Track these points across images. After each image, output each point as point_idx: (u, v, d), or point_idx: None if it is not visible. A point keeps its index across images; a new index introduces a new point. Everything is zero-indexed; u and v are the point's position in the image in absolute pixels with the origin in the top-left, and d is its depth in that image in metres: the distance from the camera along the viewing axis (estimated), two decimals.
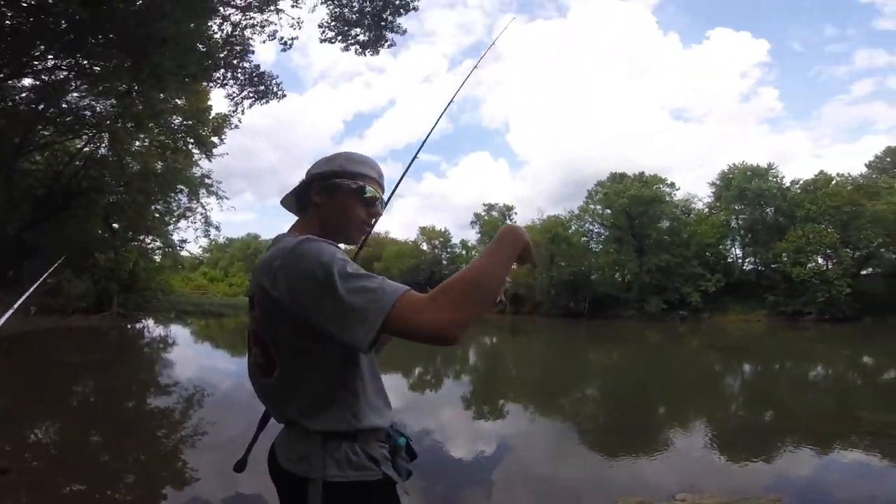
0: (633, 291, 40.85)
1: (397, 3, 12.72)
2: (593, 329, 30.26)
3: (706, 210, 44.34)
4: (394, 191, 1.51)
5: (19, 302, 2.27)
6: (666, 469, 4.63)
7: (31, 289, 2.65)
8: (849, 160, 73.43)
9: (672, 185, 44.46)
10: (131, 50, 9.88)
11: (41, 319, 15.26)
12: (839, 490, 3.97)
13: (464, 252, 64.25)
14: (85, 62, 12.64)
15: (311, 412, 1.00)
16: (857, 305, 31.57)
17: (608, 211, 46.08)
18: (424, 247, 66.33)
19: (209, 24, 12.05)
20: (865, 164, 45.09)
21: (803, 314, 32.81)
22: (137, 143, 20.85)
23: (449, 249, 65.88)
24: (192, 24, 10.48)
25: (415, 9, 12.84)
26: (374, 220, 1.20)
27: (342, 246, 1.15)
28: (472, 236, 62.66)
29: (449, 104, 1.86)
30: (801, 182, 39.01)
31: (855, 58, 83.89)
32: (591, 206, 48.16)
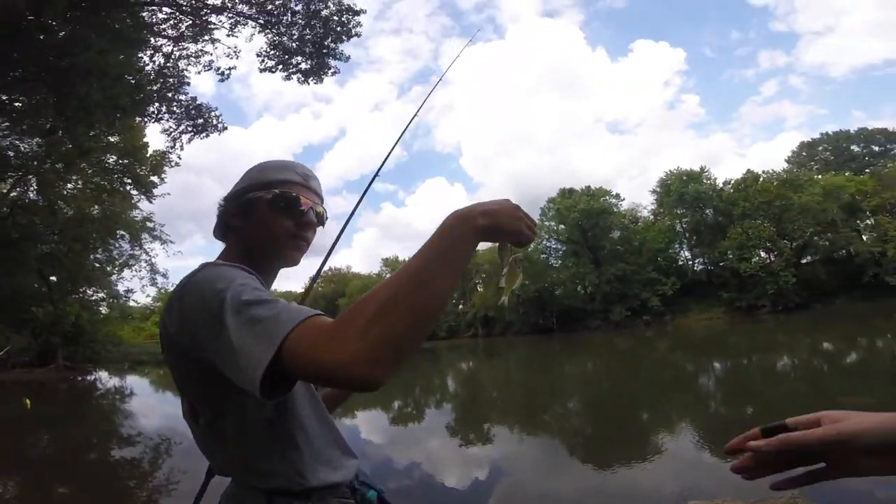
0: (597, 302, 41.87)
1: (339, 29, 12.67)
2: (564, 343, 30.60)
3: (651, 217, 46.46)
4: (347, 222, 1.49)
5: None
6: (667, 476, 4.44)
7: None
8: (769, 157, 79.95)
9: (617, 195, 46.72)
10: (54, 83, 9.31)
11: None
12: (853, 480, 3.78)
13: None
14: (4, 97, 11.73)
15: (246, 467, 0.85)
16: (804, 293, 33.71)
17: (562, 226, 47.51)
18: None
19: (139, 55, 11.60)
20: (785, 160, 49.19)
21: (758, 307, 34.57)
22: (70, 185, 19.67)
23: (370, 289, 65.71)
24: (120, 55, 9.98)
25: (357, 35, 12.84)
26: (308, 230, 0.99)
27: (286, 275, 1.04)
28: None
29: (401, 135, 1.81)
30: (732, 182, 41.43)
31: (759, 59, 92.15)
32: (546, 223, 49.49)
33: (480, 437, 7.23)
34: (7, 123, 14.44)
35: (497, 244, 0.79)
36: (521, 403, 10.30)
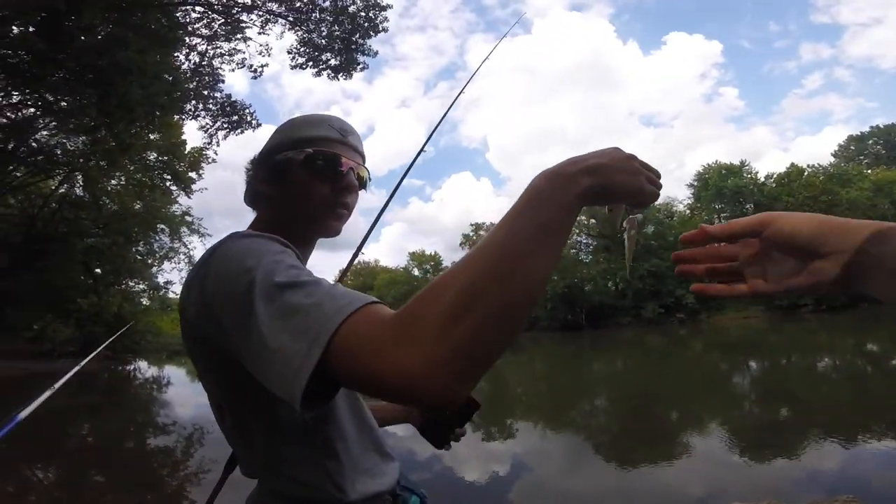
0: (629, 298, 41.00)
1: (366, 25, 12.76)
2: (594, 340, 30.05)
3: (687, 212, 45.21)
4: (378, 218, 1.44)
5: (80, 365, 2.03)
6: (713, 478, 4.26)
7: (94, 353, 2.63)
8: (814, 151, 76.74)
9: None
10: (96, 82, 9.61)
11: (31, 364, 14.93)
12: None
13: None
14: (50, 97, 12.31)
15: (276, 474, 0.75)
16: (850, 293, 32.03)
17: (593, 220, 46.65)
18: (416, 272, 66.36)
19: (175, 54, 11.97)
20: (832, 154, 47.45)
21: (799, 306, 33.08)
22: (113, 181, 20.53)
23: (441, 272, 65.99)
24: (157, 55, 10.32)
25: (384, 30, 12.93)
26: (349, 194, 0.85)
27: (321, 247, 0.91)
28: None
29: (430, 136, 1.78)
30: (774, 176, 40.18)
31: (800, 52, 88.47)
32: (577, 217, 48.71)
33: (503, 432, 7.16)
34: (54, 123, 14.90)
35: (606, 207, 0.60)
36: (548, 401, 10.15)
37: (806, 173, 38.01)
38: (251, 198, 0.88)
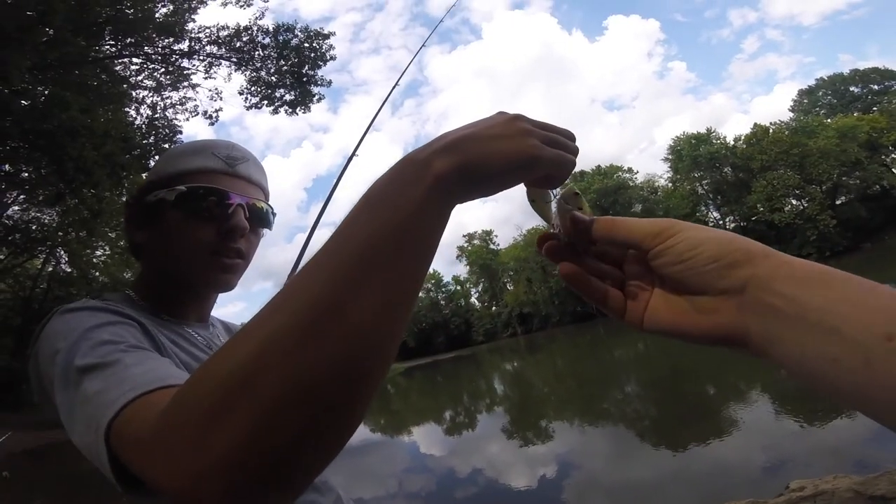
0: None
1: (312, 56, 12.86)
2: (608, 327, 29.94)
3: (670, 184, 46.09)
4: (310, 236, 1.59)
5: None
6: (754, 456, 3.98)
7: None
8: (772, 109, 79.56)
9: (630, 169, 46.92)
10: (47, 147, 9.40)
11: (55, 434, 15.01)
12: None
13: (458, 287, 64.21)
14: (10, 168, 12.13)
15: None
16: (849, 234, 32.93)
17: None
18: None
19: (125, 109, 11.92)
20: (789, 109, 49.04)
21: (804, 256, 33.30)
22: (98, 252, 20.36)
23: (444, 289, 65.84)
24: (104, 112, 10.25)
25: (332, 58, 13.15)
26: (236, 237, 0.69)
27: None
28: (462, 270, 62.99)
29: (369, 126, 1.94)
30: (742, 137, 41.22)
31: (730, 18, 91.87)
32: None
33: (539, 434, 6.96)
34: (23, 196, 14.58)
35: (527, 194, 0.43)
36: (576, 394, 9.95)
37: (771, 131, 39.12)
38: (129, 247, 0.76)
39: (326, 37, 12.70)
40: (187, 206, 0.68)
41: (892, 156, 37.04)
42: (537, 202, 0.43)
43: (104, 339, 0.53)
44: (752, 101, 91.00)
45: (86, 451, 0.46)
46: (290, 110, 13.26)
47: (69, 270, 20.49)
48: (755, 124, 40.77)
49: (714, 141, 42.57)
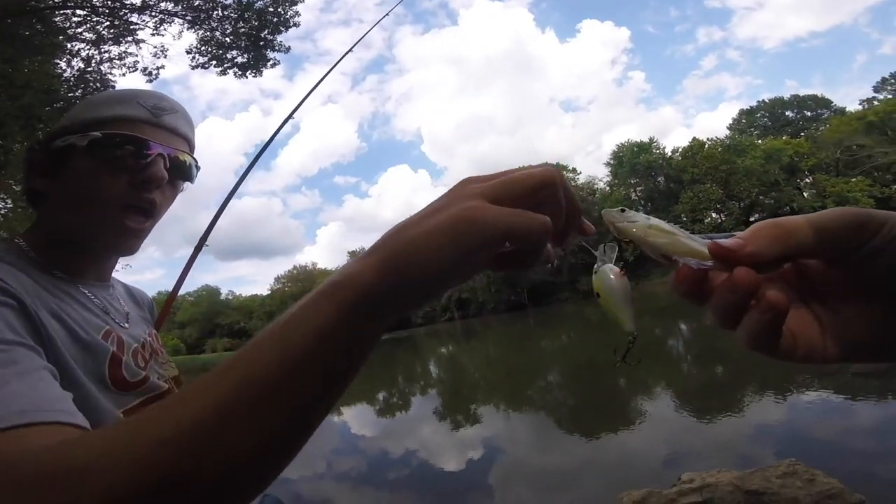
0: (564, 274, 42.89)
1: (275, 20, 12.04)
2: (538, 317, 31.07)
3: (607, 188, 48.25)
4: (213, 222, 1.45)
5: None
6: (655, 447, 4.37)
7: None
8: (713, 125, 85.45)
9: (574, 170, 48.37)
10: None
11: None
12: (845, 437, 3.81)
13: None
14: None
15: None
16: None
17: None
18: None
19: (55, 61, 10.67)
20: (727, 127, 52.22)
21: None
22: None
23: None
24: (29, 63, 9.20)
25: (296, 25, 12.28)
26: (150, 187, 0.65)
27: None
28: None
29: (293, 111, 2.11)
30: (680, 150, 43.84)
31: (697, 35, 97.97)
32: None
33: (469, 418, 7.19)
34: None
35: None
36: (504, 382, 10.30)
37: (706, 146, 41.65)
38: (26, 195, 0.70)
39: (295, 3, 12.00)
40: (100, 153, 0.63)
41: (806, 180, 40.10)
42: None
43: None
44: (697, 117, 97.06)
45: None
46: (240, 73, 12.34)
47: None
48: (693, 138, 43.39)
49: (654, 151, 44.94)
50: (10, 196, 18.41)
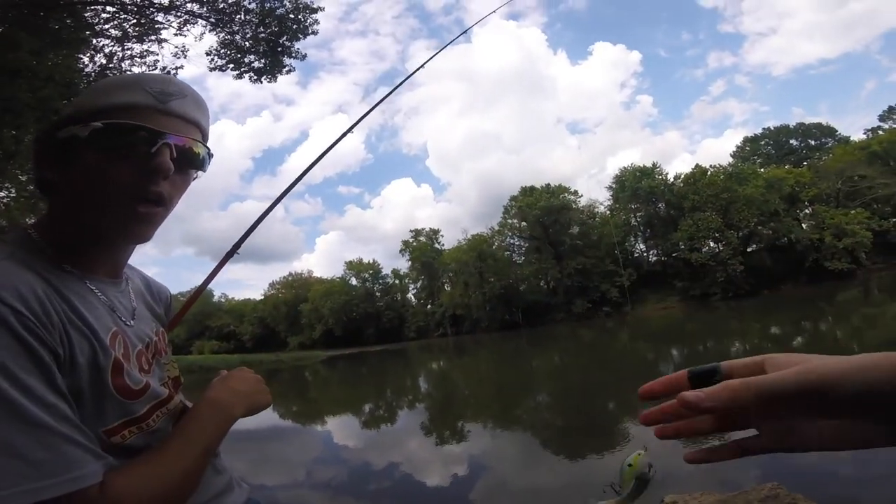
0: (560, 295, 42.87)
1: (294, 28, 12.31)
2: (531, 337, 30.96)
3: (608, 212, 48.14)
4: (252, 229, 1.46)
5: None
6: (655, 467, 4.35)
7: None
8: (716, 151, 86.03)
9: (576, 192, 48.49)
10: None
11: None
12: (828, 463, 3.83)
13: (397, 281, 63.68)
14: None
15: None
16: (752, 280, 35.74)
17: (524, 223, 48.39)
18: (354, 281, 64.71)
19: (78, 56, 10.89)
20: (731, 154, 52.31)
21: (710, 295, 36.34)
22: (1, 193, 18.22)
23: (381, 281, 64.95)
24: (54, 57, 9.39)
25: (314, 32, 12.52)
26: (156, 178, 0.64)
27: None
28: (404, 264, 62.44)
29: (343, 135, 1.92)
30: (682, 176, 43.69)
31: (708, 60, 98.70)
32: (509, 221, 50.50)
33: (455, 434, 7.20)
34: None
35: None
36: (493, 400, 10.32)
37: (709, 173, 41.61)
38: (37, 185, 0.70)
39: (315, 11, 12.26)
40: (103, 144, 0.61)
41: (806, 211, 39.72)
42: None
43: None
44: (702, 143, 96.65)
45: None
46: (255, 77, 12.59)
47: None
48: (696, 165, 43.21)
49: (656, 176, 44.63)
50: (15, 185, 18.51)
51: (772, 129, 51.08)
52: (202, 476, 0.69)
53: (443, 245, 59.46)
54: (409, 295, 63.08)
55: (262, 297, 70.75)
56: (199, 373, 17.23)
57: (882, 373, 0.33)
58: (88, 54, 11.57)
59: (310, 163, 1.75)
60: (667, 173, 45.46)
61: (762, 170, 42.42)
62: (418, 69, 2.81)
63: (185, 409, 0.77)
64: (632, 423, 6.25)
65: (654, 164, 45.69)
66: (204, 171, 0.72)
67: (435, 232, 61.31)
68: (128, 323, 0.71)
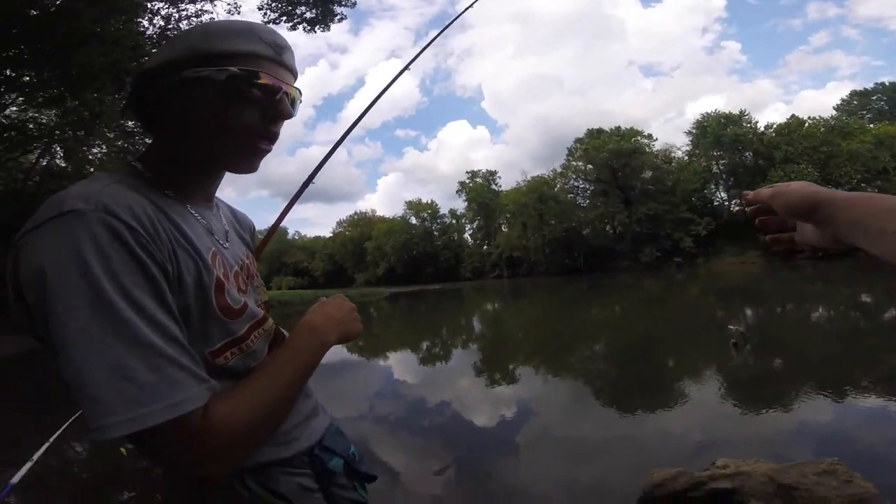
0: (626, 242, 41.46)
1: None
2: (592, 284, 30.34)
3: (686, 158, 45.32)
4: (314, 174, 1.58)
5: None
6: (704, 430, 4.28)
7: None
8: (817, 104, 75.88)
9: (650, 136, 45.56)
10: (54, 54, 9.38)
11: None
12: (892, 449, 3.57)
13: (454, 221, 64.19)
14: (11, 72, 11.96)
15: None
16: None
17: (590, 166, 46.43)
18: (413, 220, 66.02)
19: (137, 20, 11.53)
20: (834, 108, 47.30)
21: (797, 252, 33.38)
22: (95, 150, 20.09)
23: (438, 220, 65.82)
24: (115, 23, 10.03)
25: None
26: (279, 122, 0.72)
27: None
28: (460, 205, 62.49)
29: (401, 73, 1.89)
30: (775, 126, 40.46)
31: (807, 10, 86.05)
32: (574, 163, 48.87)
33: (506, 377, 7.31)
34: (21, 98, 14.73)
35: None
36: (546, 345, 10.31)
37: (807, 125, 38.14)
38: (145, 119, 0.72)
39: None
40: (236, 87, 0.66)
41: None
42: None
43: (120, 286, 0.54)
44: (799, 93, 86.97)
45: (92, 405, 0.51)
46: (309, 28, 12.82)
47: (64, 166, 20.28)
48: (792, 115, 39.78)
49: (744, 124, 41.49)
50: (105, 142, 20.25)
51: (886, 84, 45.46)
52: (297, 400, 0.73)
53: (500, 186, 58.64)
54: (466, 235, 63.66)
55: (331, 235, 74.37)
56: (277, 307, 18.67)
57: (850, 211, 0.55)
58: (146, 17, 12.24)
59: (367, 105, 1.79)
60: (756, 122, 42.37)
61: (871, 126, 38.12)
62: (470, 6, 2.71)
63: (278, 332, 0.81)
64: (688, 382, 6.11)
65: (741, 112, 42.16)
66: (294, 114, 0.77)
67: (492, 173, 60.40)
68: (224, 245, 0.76)
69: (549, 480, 3.54)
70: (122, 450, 3.34)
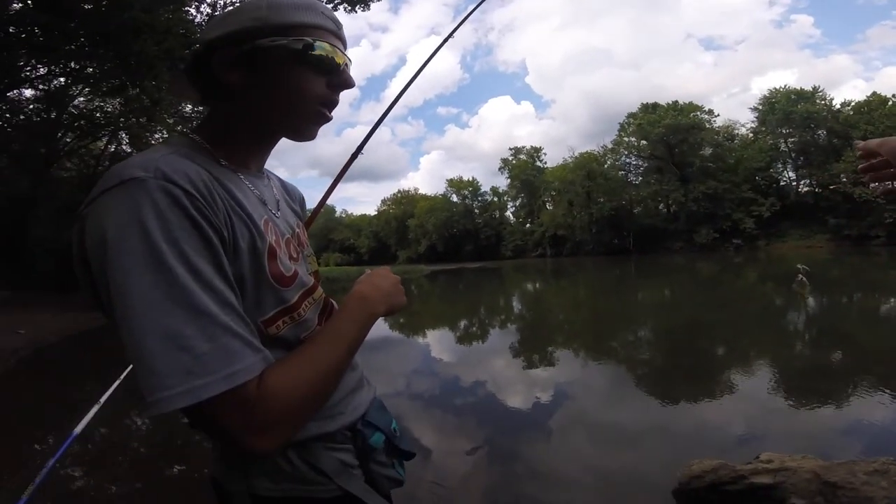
0: (681, 222, 39.76)
1: None
2: (642, 265, 29.34)
3: (750, 135, 42.84)
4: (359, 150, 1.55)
5: None
6: (738, 422, 4.10)
7: None
8: None
9: (710, 111, 43.28)
10: (110, 45, 9.82)
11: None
12: None
13: (495, 199, 63.61)
14: (75, 65, 12.77)
15: None
16: None
17: (644, 142, 44.51)
18: (454, 198, 66.00)
19: (185, 8, 12.08)
20: None
21: (870, 238, 31.04)
22: (157, 135, 21.54)
23: (480, 198, 65.51)
24: (164, 12, 10.44)
25: None
26: (340, 92, 0.76)
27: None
28: (502, 182, 61.74)
29: (441, 45, 1.82)
30: (852, 104, 37.57)
31: None
32: (626, 139, 47.15)
33: (544, 359, 7.22)
34: (87, 89, 15.97)
35: None
36: (588, 328, 10.13)
37: (890, 103, 35.09)
38: (203, 89, 0.73)
39: None
40: (308, 58, 0.70)
41: None
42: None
43: (179, 252, 0.54)
44: (882, 70, 78.52)
45: (150, 377, 0.52)
46: (350, 7, 12.93)
47: (129, 151, 21.68)
48: (873, 93, 36.60)
49: (817, 101, 38.62)
50: (166, 128, 21.50)
51: None
52: (346, 372, 0.73)
53: (545, 163, 57.25)
54: (508, 213, 62.87)
55: (376, 213, 75.77)
56: (324, 283, 19.17)
57: None
58: (194, 5, 12.81)
59: (408, 80, 1.81)
60: (831, 98, 39.32)
61: None
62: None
63: (328, 302, 0.83)
64: (738, 374, 5.81)
65: (814, 88, 39.04)
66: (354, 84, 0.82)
67: (537, 150, 59.05)
68: (275, 213, 0.78)
69: (582, 466, 3.49)
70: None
